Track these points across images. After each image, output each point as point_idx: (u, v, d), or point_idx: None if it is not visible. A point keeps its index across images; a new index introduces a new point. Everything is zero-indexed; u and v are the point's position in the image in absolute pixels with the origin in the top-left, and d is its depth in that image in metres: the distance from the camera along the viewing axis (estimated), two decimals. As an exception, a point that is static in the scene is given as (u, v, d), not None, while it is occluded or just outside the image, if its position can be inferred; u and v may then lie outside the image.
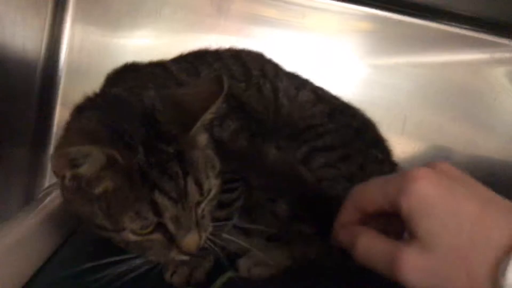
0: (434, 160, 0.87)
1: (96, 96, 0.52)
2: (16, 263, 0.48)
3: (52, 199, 0.62)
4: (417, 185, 0.33)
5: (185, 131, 0.44)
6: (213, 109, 0.44)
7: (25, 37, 0.70)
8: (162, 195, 0.41)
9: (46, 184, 0.80)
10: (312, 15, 0.84)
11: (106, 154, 0.40)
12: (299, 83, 0.66)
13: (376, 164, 0.61)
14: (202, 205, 0.45)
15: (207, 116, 0.44)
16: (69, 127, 0.48)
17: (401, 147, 0.86)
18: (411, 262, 0.33)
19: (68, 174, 0.42)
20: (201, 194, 0.44)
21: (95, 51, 0.80)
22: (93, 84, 0.79)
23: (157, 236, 0.42)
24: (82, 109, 0.49)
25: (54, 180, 0.75)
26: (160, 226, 0.42)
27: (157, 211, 0.41)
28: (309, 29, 0.85)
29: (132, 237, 0.42)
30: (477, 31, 0.86)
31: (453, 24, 0.85)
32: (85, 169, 0.41)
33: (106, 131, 0.42)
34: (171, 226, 0.42)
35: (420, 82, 0.87)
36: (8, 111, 0.69)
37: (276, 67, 0.67)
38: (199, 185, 0.43)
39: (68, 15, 0.79)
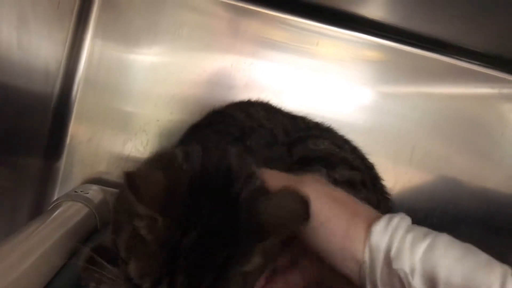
0: (440, 191, 0.90)
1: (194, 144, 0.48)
2: (26, 274, 0.47)
3: (62, 211, 0.62)
4: None
5: (249, 245, 0.38)
6: (286, 234, 0.39)
7: (48, 50, 0.71)
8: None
9: (56, 196, 0.79)
10: (326, 42, 0.86)
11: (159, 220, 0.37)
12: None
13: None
14: None
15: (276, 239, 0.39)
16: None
17: (408, 176, 0.88)
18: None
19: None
20: None
21: (113, 66, 0.81)
22: (109, 99, 0.82)
23: None
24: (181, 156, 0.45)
25: (64, 191, 0.76)
26: None
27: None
28: (322, 56, 0.87)
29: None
30: (486, 67, 0.88)
31: (463, 59, 0.87)
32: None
33: (182, 192, 0.39)
34: None
35: (429, 113, 0.88)
36: (25, 122, 0.69)
37: None
38: None
39: (89, 30, 0.80)
